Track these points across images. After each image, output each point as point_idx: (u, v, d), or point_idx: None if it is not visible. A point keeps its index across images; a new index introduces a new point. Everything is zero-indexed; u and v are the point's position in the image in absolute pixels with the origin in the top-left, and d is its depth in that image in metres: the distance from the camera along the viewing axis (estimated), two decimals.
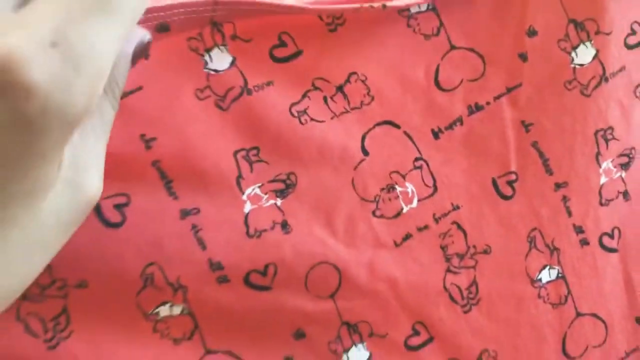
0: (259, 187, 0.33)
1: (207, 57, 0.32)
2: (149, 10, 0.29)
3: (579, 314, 0.39)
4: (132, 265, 0.30)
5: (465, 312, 0.37)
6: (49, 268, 0.29)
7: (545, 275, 0.39)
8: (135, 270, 0.30)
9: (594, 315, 0.40)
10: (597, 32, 0.39)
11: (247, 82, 0.33)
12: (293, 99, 0.34)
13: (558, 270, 0.39)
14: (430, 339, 0.37)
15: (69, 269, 0.29)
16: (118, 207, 0.30)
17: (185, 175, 0.31)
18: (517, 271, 0.38)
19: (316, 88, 0.34)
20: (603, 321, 0.40)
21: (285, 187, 0.34)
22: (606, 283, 0.40)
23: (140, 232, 0.30)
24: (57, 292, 0.30)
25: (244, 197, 0.33)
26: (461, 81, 0.37)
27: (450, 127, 0.37)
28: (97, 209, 0.29)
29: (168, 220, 0.31)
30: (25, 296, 0.29)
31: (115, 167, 0.29)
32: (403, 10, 0.36)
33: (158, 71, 0.31)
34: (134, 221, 0.30)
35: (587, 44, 0.38)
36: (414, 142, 0.37)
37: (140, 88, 0.30)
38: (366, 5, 0.34)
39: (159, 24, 0.30)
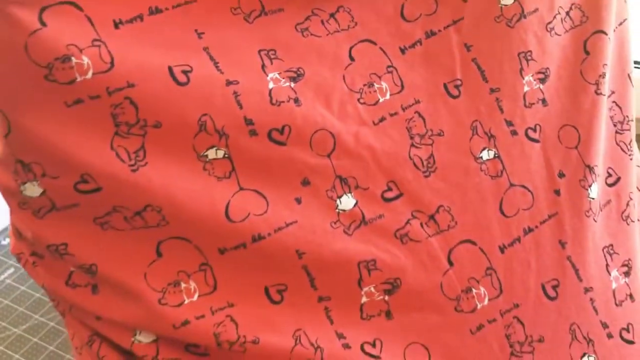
0: (278, 73, 0.47)
1: None
2: None
3: (511, 185, 0.53)
4: (192, 113, 0.44)
5: (426, 177, 0.51)
6: (135, 109, 0.43)
7: (485, 154, 0.53)
8: (194, 116, 0.44)
9: (523, 186, 0.54)
10: None
11: (264, 7, 0.48)
12: (298, 20, 0.49)
13: (494, 151, 0.53)
14: (400, 194, 0.51)
15: (149, 112, 0.43)
16: (184, 72, 0.44)
17: (227, 60, 0.46)
18: (464, 150, 0.53)
19: (314, 14, 0.49)
20: (530, 191, 0.54)
21: (296, 76, 0.48)
22: (531, 164, 0.54)
23: (199, 90, 0.44)
24: (139, 131, 0.44)
25: (268, 78, 0.47)
26: (420, 15, 0.52)
27: (412, 46, 0.52)
28: (171, 72, 0.44)
29: (218, 85, 0.45)
30: (116, 132, 0.43)
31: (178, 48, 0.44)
32: None
33: None
34: (195, 83, 0.44)
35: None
36: (386, 55, 0.51)
37: None
38: None
39: None
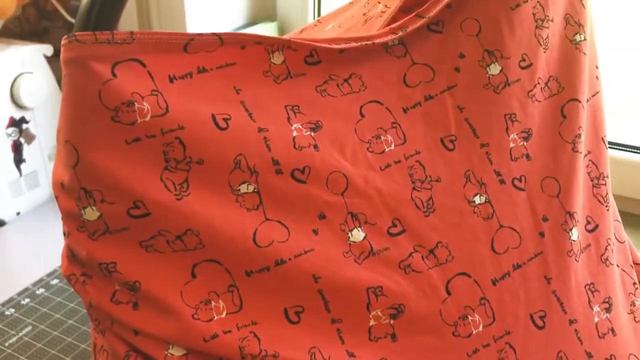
0: (301, 124, 0.56)
1: (270, 55, 0.57)
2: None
3: (501, 226, 0.61)
4: (229, 153, 0.53)
5: (426, 216, 0.59)
6: (183, 148, 0.51)
7: (477, 199, 0.61)
8: (231, 156, 0.53)
9: (511, 228, 0.61)
10: (501, 57, 0.64)
11: (289, 71, 0.57)
12: (318, 83, 0.58)
13: (485, 197, 0.61)
14: (404, 230, 0.58)
15: (194, 150, 0.52)
16: (225, 119, 0.53)
17: (259, 111, 0.55)
18: (458, 195, 0.61)
19: (331, 79, 0.59)
20: (517, 232, 0.61)
21: (315, 127, 0.57)
22: (518, 208, 0.62)
23: (236, 135, 0.53)
24: (185, 167, 0.52)
25: (292, 127, 0.56)
26: (419, 82, 0.62)
27: (413, 107, 0.62)
28: (214, 119, 0.53)
29: (251, 131, 0.54)
30: (165, 167, 0.51)
31: (219, 100, 0.53)
32: (384, 44, 0.61)
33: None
34: (233, 128, 0.53)
35: (496, 63, 0.64)
36: (391, 113, 0.61)
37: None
38: (365, 42, 0.60)
39: None
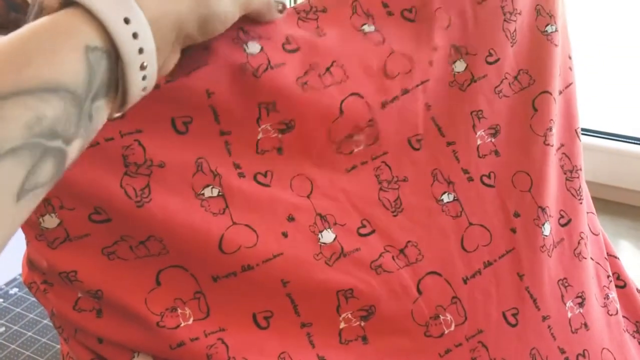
0: (270, 125, 0.55)
1: (245, 46, 0.54)
2: None
3: (470, 224, 0.60)
4: (190, 156, 0.51)
5: (394, 216, 0.58)
6: (143, 150, 0.50)
7: (445, 198, 0.60)
8: (192, 159, 0.51)
9: (481, 225, 0.61)
10: (467, 53, 0.63)
11: (270, 61, 0.55)
12: (299, 74, 0.56)
13: (454, 195, 0.60)
14: (373, 231, 0.57)
15: (155, 153, 0.50)
16: (185, 123, 0.51)
17: (227, 113, 0.53)
18: (426, 194, 0.60)
19: (312, 69, 0.57)
20: (488, 229, 0.61)
21: (286, 128, 0.55)
22: (487, 205, 0.61)
23: (196, 138, 0.52)
24: (145, 171, 0.50)
25: (259, 129, 0.54)
26: (398, 73, 0.60)
27: (392, 101, 0.60)
28: (173, 123, 0.51)
29: (212, 135, 0.52)
30: (125, 172, 0.50)
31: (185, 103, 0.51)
32: (361, 31, 0.60)
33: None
34: (193, 131, 0.52)
35: (461, 60, 0.63)
36: (370, 109, 0.59)
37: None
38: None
39: None
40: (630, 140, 1.47)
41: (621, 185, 1.44)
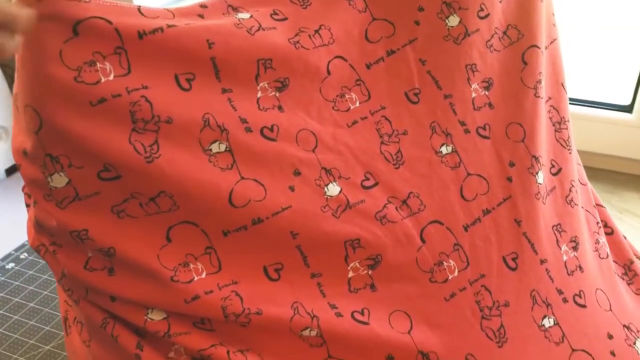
0: (267, 83, 0.56)
1: (235, 15, 0.56)
2: None
3: (469, 174, 0.62)
4: (197, 112, 0.52)
5: (396, 168, 0.60)
6: (150, 106, 0.50)
7: (444, 149, 0.62)
8: (199, 114, 0.52)
9: (479, 175, 0.62)
10: (460, 8, 0.65)
11: (260, 24, 0.56)
12: (290, 35, 0.57)
13: (452, 147, 0.62)
14: (377, 183, 0.59)
15: (162, 108, 0.51)
16: (188, 80, 0.52)
17: (227, 68, 0.54)
18: (426, 146, 0.61)
19: (302, 31, 0.58)
20: (485, 179, 0.63)
21: (282, 86, 0.56)
22: (484, 156, 0.63)
23: (200, 95, 0.52)
24: (153, 127, 0.51)
25: (258, 87, 0.55)
26: (381, 37, 0.62)
27: (376, 62, 0.62)
28: (176, 79, 0.51)
29: (215, 92, 0.53)
30: (133, 128, 0.50)
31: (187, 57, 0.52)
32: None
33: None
34: (196, 88, 0.52)
35: (454, 15, 0.64)
36: (355, 70, 0.60)
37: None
38: None
39: None
40: (595, 105, 1.51)
41: (591, 150, 1.48)
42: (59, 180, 0.50)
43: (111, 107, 0.49)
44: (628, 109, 1.27)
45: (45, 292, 0.94)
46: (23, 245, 1.04)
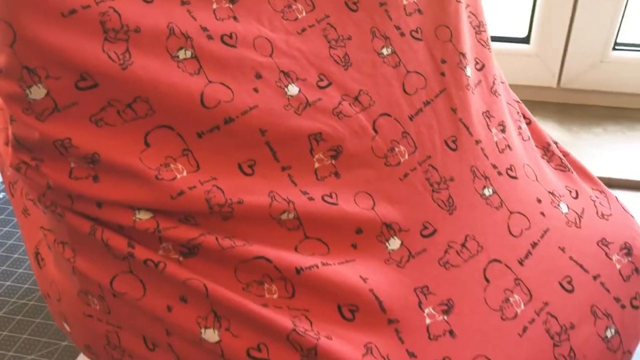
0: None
1: None
2: None
3: (408, 71, 0.69)
4: (162, 22, 0.56)
5: (345, 70, 0.66)
6: (119, 16, 0.53)
7: (385, 51, 0.69)
8: (164, 23, 0.56)
9: (417, 72, 0.70)
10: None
11: None
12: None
13: (391, 48, 0.69)
14: (330, 83, 0.65)
15: (130, 18, 0.54)
16: None
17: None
18: (369, 48, 0.68)
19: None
20: (422, 75, 0.70)
21: None
22: (419, 55, 0.71)
23: (162, 6, 0.56)
24: (123, 36, 0.54)
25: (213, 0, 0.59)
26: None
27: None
28: None
29: (175, 4, 0.57)
30: (105, 38, 0.53)
31: None
32: None
33: None
34: (157, 1, 0.55)
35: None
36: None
37: None
38: None
39: None
40: (496, 39, 1.64)
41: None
42: (37, 92, 0.52)
43: (82, 17, 0.52)
44: (526, 40, 1.39)
45: None
46: None
